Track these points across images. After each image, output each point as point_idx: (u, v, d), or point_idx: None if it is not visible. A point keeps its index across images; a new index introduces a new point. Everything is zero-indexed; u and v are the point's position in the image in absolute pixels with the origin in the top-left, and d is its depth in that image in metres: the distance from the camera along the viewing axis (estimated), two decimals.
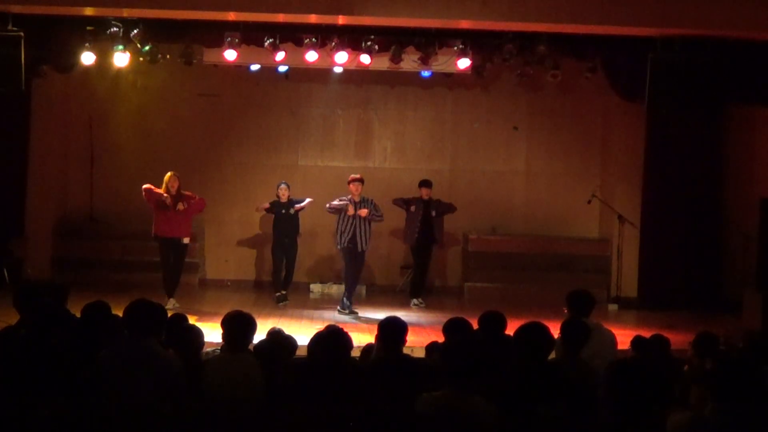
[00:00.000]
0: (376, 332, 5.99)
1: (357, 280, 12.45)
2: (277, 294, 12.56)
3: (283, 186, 12.66)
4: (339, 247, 12.24)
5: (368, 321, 11.60)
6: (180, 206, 11.53)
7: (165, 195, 11.53)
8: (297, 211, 12.62)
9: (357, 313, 12.04)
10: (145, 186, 11.70)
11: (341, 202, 12.11)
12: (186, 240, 11.80)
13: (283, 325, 8.26)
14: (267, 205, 12.66)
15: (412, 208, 13.00)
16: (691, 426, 4.22)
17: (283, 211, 12.57)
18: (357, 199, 12.06)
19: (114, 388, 5.17)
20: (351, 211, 11.93)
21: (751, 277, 12.43)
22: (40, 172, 13.41)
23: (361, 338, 9.05)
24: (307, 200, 12.71)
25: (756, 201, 12.65)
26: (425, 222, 12.99)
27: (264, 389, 5.60)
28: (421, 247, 13.11)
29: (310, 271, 14.33)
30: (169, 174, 11.72)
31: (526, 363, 5.46)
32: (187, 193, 11.80)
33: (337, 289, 13.43)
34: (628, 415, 4.04)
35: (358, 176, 12.21)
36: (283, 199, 12.59)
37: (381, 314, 12.00)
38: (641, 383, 4.11)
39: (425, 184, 13.11)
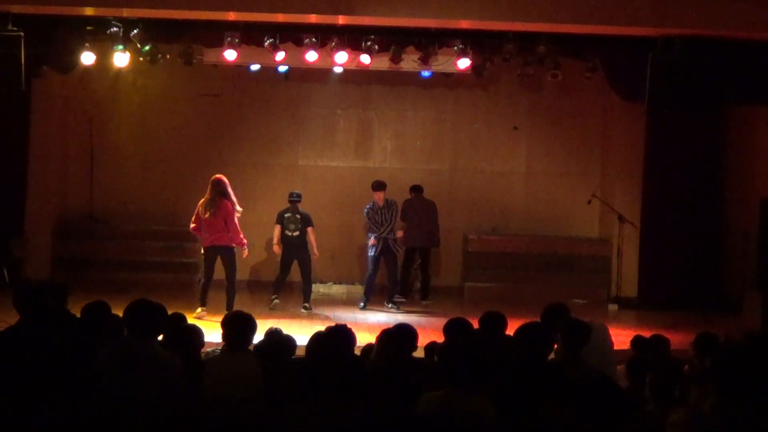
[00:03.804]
0: (377, 333, 6.01)
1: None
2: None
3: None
4: (373, 254, 12.35)
5: (367, 320, 11.60)
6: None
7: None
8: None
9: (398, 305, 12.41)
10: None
11: (370, 227, 12.30)
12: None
13: (282, 325, 8.22)
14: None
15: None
16: (691, 422, 4.22)
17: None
18: (381, 204, 12.22)
19: (114, 388, 5.17)
20: (373, 241, 12.23)
21: (751, 277, 12.44)
22: (40, 172, 13.39)
23: (361, 338, 9.03)
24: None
25: (756, 201, 12.66)
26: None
27: (264, 389, 5.60)
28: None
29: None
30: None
31: (526, 363, 5.46)
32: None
33: (337, 289, 13.42)
34: None
35: (381, 183, 12.33)
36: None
37: (381, 314, 12.09)
38: None
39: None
